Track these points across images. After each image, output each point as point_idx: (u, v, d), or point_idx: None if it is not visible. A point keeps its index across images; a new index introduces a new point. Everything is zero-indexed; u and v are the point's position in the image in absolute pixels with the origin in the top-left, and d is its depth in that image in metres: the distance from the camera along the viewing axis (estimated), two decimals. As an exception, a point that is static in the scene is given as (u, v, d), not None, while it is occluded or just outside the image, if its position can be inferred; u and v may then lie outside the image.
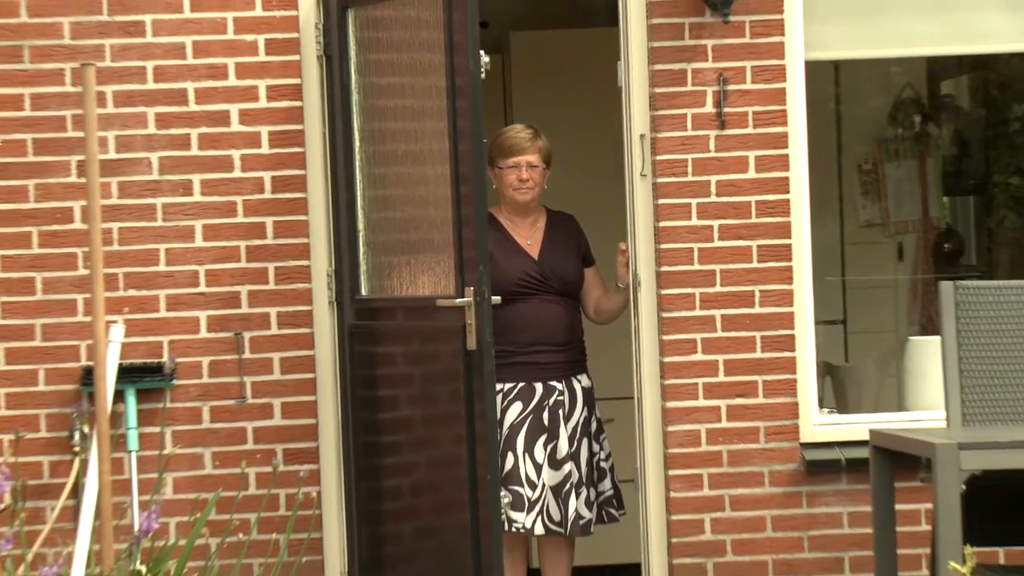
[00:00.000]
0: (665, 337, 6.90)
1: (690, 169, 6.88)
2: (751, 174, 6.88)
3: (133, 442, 6.72)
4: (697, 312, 6.89)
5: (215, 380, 6.83)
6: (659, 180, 6.88)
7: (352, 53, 6.78)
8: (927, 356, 7.02)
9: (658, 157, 6.88)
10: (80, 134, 6.26)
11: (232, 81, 6.82)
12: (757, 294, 6.89)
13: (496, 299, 6.47)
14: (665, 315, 6.90)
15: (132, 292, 6.77)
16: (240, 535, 6.59)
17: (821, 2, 6.98)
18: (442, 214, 6.49)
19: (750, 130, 6.88)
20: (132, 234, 6.78)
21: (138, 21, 6.79)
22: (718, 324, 6.89)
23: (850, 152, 8.59)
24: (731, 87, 6.85)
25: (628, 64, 6.96)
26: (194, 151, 6.81)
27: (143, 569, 5.48)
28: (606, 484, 7.13)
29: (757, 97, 6.88)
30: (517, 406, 6.94)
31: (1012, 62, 8.34)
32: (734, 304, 6.88)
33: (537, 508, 6.94)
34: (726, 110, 6.85)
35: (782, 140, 6.90)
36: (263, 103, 6.84)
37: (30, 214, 6.79)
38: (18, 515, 6.10)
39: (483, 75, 6.38)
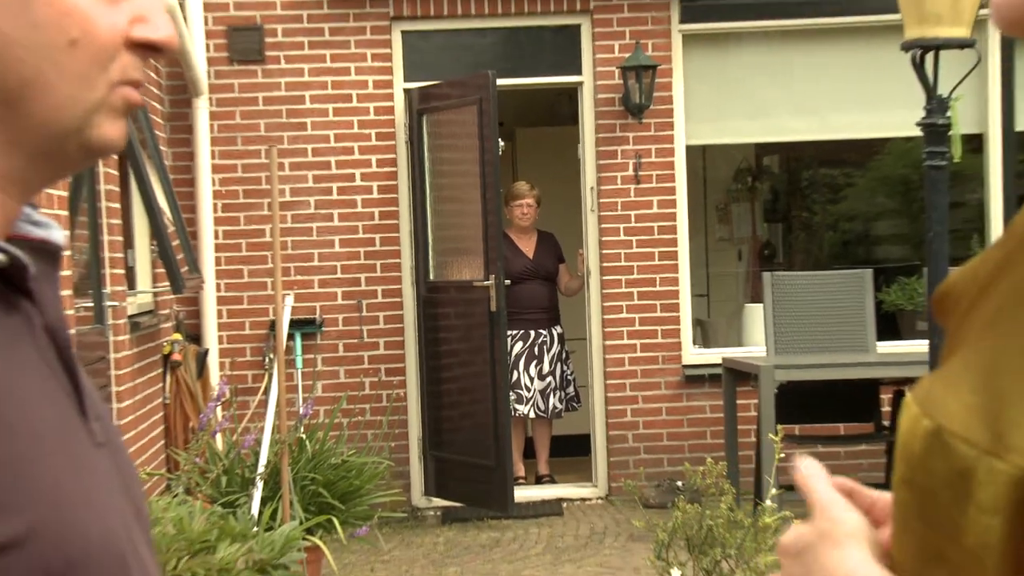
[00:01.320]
0: (605, 304, 6.87)
1: (619, 207, 6.84)
2: (654, 210, 6.85)
3: (299, 363, 6.72)
4: (623, 290, 6.86)
5: (346, 328, 6.81)
6: (602, 213, 6.85)
7: (425, 139, 6.76)
8: (755, 315, 7.00)
9: (601, 200, 6.85)
10: (268, 187, 6.22)
11: (356, 156, 6.80)
12: (657, 279, 6.86)
13: (507, 282, 6.47)
14: (605, 291, 6.87)
15: (298, 277, 6.75)
16: (359, 417, 6.59)
17: (695, 112, 6.95)
18: (476, 233, 6.47)
19: (653, 185, 6.84)
20: (298, 245, 6.76)
21: (303, 122, 6.77)
22: (635, 296, 6.86)
23: (711, 197, 8.56)
24: (643, 160, 6.82)
25: (584, 146, 6.93)
26: (334, 196, 6.79)
27: (304, 436, 5.46)
28: (571, 389, 7.13)
29: (658, 166, 6.84)
30: (520, 344, 6.94)
31: (803, 147, 8.30)
32: (644, 285, 6.85)
33: (531, 402, 6.94)
34: (640, 173, 6.82)
35: (672, 191, 6.86)
36: (374, 168, 6.81)
37: (240, 233, 6.78)
38: (232, 405, 6.09)
39: (500, 152, 6.38)
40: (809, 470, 0.83)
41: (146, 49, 0.81)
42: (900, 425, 0.74)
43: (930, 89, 3.96)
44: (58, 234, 0.84)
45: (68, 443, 0.78)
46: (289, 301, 6.60)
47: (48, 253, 0.83)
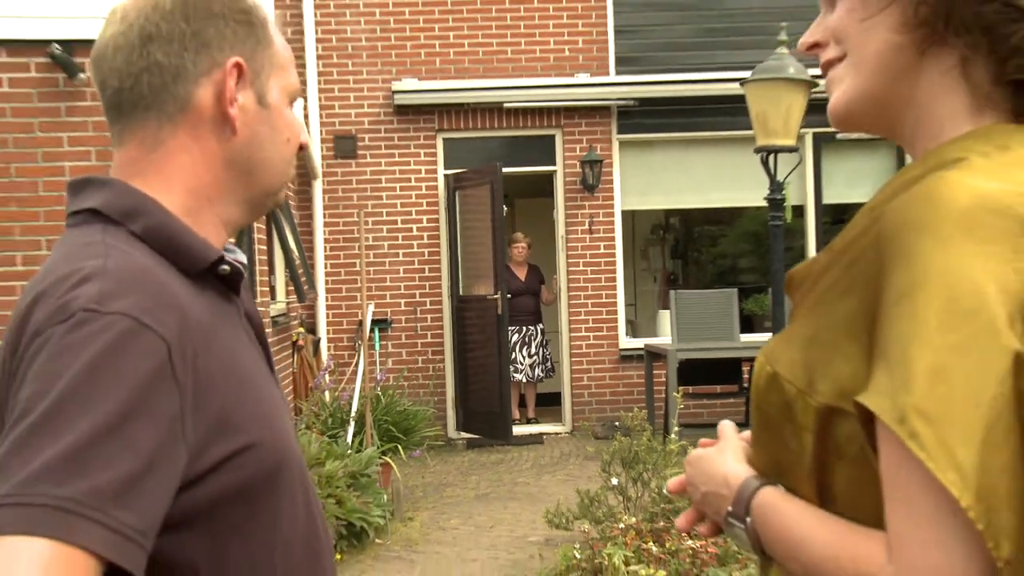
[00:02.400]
0: (570, 310, 6.86)
1: (579, 249, 6.83)
2: (601, 251, 6.84)
3: (377, 347, 6.69)
4: (582, 301, 6.85)
5: (406, 325, 6.79)
6: (568, 253, 6.84)
7: (457, 206, 6.76)
8: (665, 317, 7.00)
9: (568, 244, 6.84)
10: (358, 235, 6.22)
11: (413, 216, 6.79)
12: (603, 294, 6.85)
13: (508, 296, 6.45)
14: (571, 302, 6.86)
15: (376, 293, 6.74)
16: (415, 381, 6.56)
17: (627, 189, 6.94)
18: (488, 265, 6.46)
19: (601, 235, 6.84)
20: (377, 273, 6.74)
21: (380, 195, 6.77)
22: (589, 305, 6.85)
23: (637, 243, 8.55)
24: (595, 219, 6.82)
25: (557, 210, 6.92)
26: (400, 241, 6.78)
27: (380, 393, 5.46)
28: (548, 364, 7.09)
29: (604, 223, 6.84)
30: (516, 335, 6.91)
31: (695, 212, 8.29)
32: (595, 298, 6.85)
33: (523, 372, 6.92)
34: (593, 227, 6.82)
35: (612, 239, 6.85)
36: (425, 224, 6.80)
37: (341, 264, 6.76)
38: (335, 373, 6.08)
39: (504, 214, 6.37)
40: (725, 423, 0.87)
41: (299, 148, 0.90)
42: (754, 370, 0.77)
43: (772, 177, 4.02)
44: (242, 256, 0.90)
45: (268, 388, 0.82)
46: (371, 308, 6.61)
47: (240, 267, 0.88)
